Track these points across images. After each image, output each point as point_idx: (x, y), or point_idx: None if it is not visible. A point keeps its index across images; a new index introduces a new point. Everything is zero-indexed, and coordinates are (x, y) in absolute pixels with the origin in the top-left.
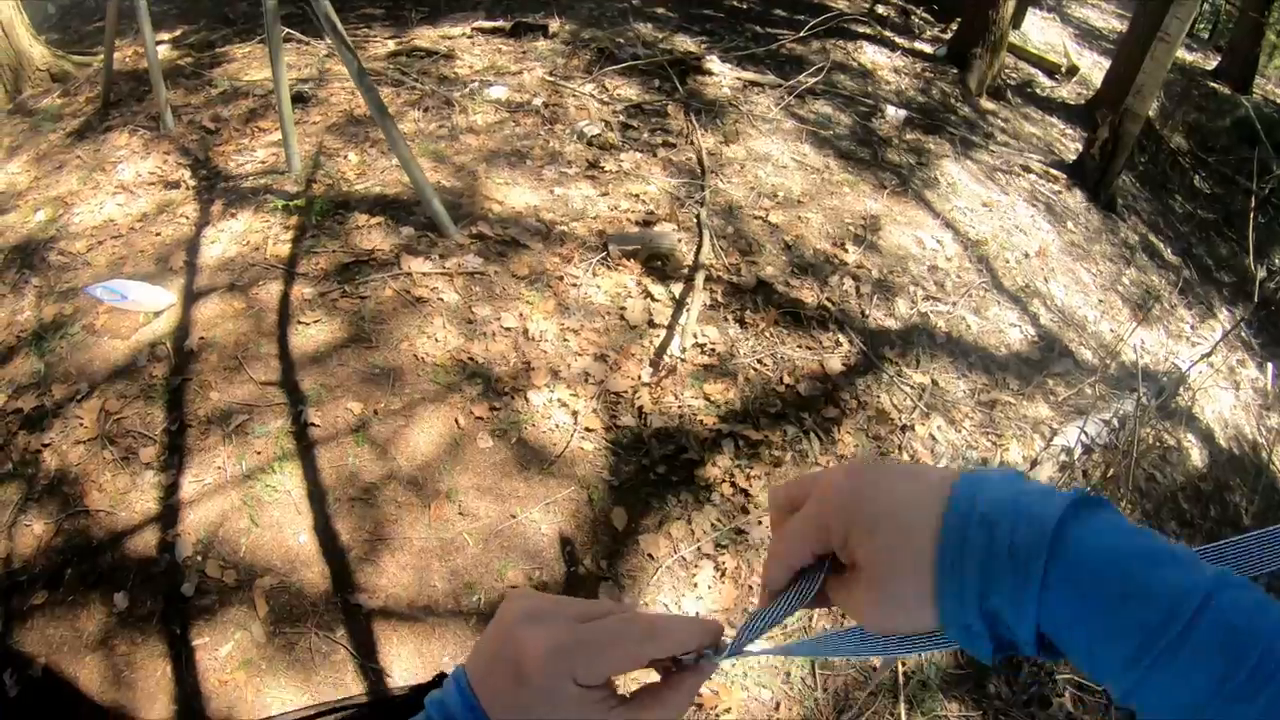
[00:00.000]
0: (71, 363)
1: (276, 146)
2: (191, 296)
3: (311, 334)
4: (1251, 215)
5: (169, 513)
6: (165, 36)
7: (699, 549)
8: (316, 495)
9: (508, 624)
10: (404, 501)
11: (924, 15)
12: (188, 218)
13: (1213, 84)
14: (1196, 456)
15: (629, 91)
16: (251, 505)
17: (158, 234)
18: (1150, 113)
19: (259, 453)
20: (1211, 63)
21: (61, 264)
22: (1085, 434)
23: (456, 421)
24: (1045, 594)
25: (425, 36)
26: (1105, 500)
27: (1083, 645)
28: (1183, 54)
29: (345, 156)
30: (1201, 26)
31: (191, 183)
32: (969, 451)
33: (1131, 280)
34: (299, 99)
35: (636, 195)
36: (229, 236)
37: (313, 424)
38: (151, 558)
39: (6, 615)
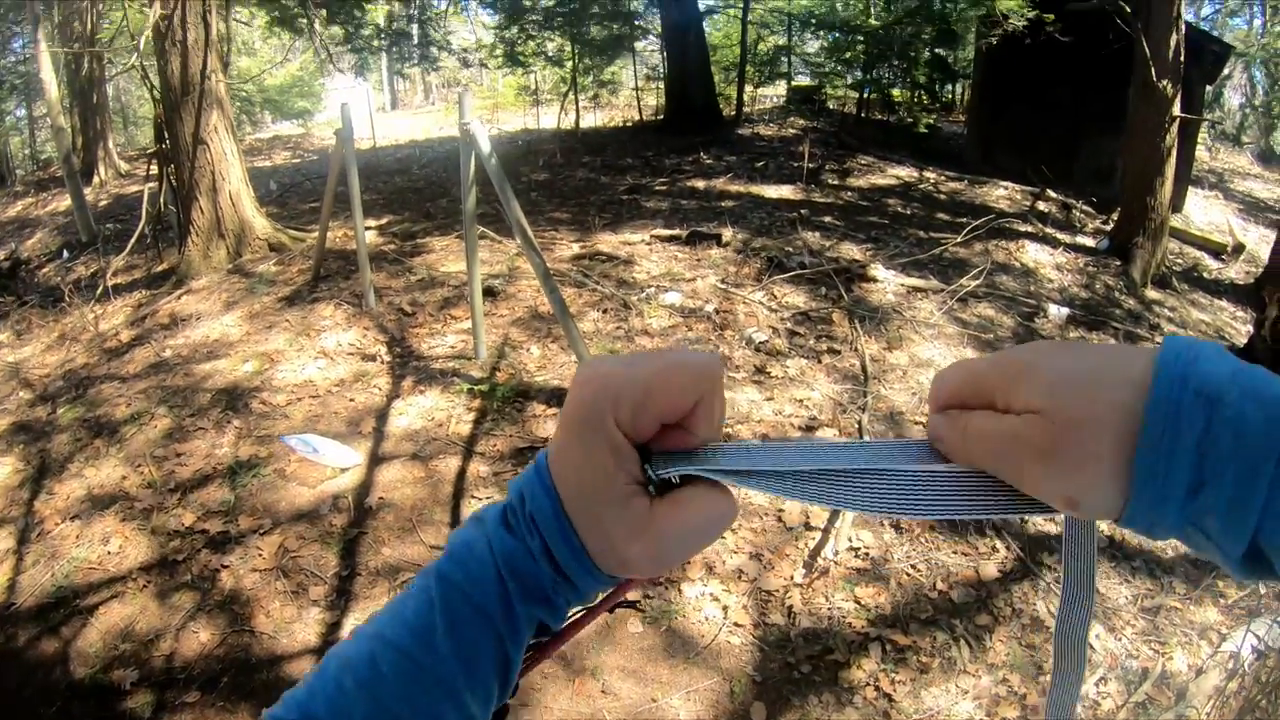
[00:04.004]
0: (259, 500)
1: (466, 334)
2: (376, 459)
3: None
4: None
5: (328, 648)
6: (373, 223)
7: None
8: None
9: (576, 374)
10: (550, 673)
11: (1085, 208)
12: (380, 388)
13: None
14: None
15: (796, 299)
16: None
17: (351, 399)
18: None
19: None
20: None
21: (262, 412)
22: (1258, 638)
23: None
24: (1275, 495)
25: (607, 242)
26: None
27: None
28: None
29: (528, 349)
30: None
31: (386, 357)
32: (1129, 660)
33: None
34: (489, 292)
35: (800, 400)
36: (416, 410)
37: None
38: None
39: (158, 704)
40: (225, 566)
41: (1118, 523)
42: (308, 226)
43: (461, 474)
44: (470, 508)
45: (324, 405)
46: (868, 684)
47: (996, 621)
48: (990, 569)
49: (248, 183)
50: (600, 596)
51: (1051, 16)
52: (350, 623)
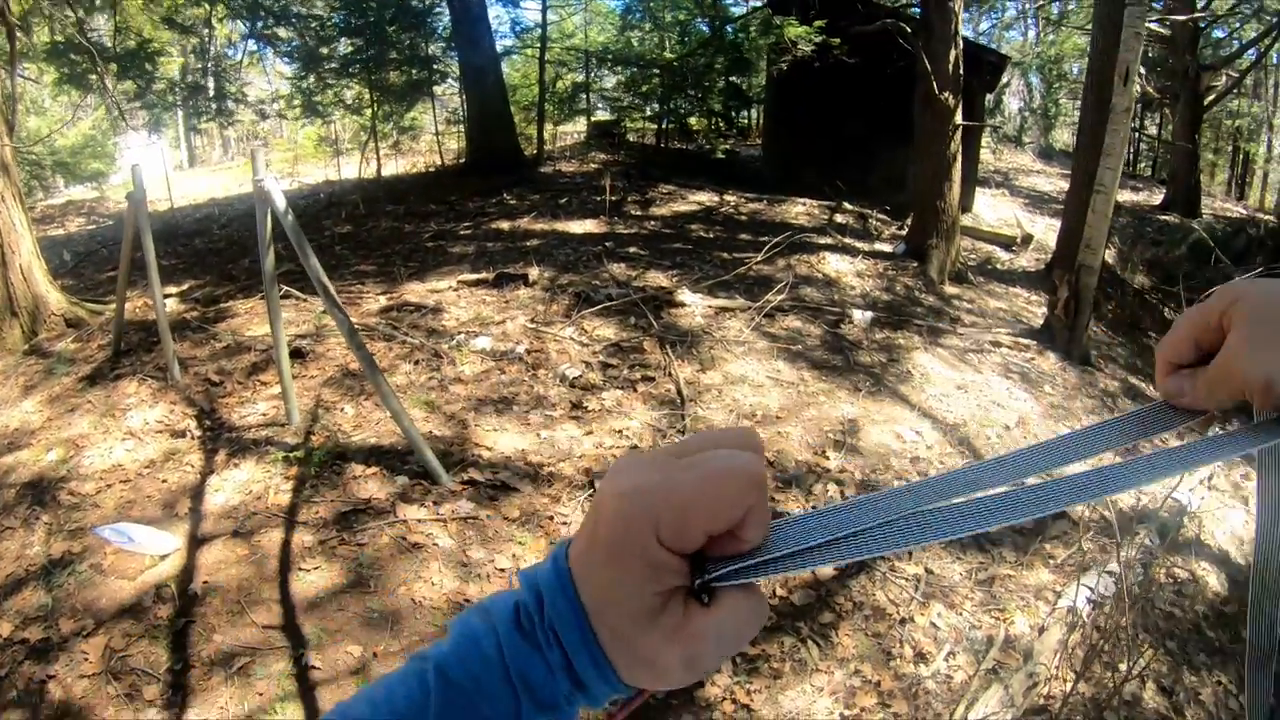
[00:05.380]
0: (78, 599)
1: (277, 399)
2: (196, 542)
3: (312, 580)
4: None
5: None
6: (173, 290)
7: None
8: None
9: (604, 478)
10: None
11: (880, 217)
12: (193, 465)
13: (1163, 217)
14: (1215, 582)
15: (607, 331)
16: None
17: (164, 480)
18: (1109, 259)
19: (260, 694)
20: (1159, 197)
21: (71, 503)
22: (1090, 589)
23: None
24: None
25: (414, 291)
26: None
27: None
28: (1130, 196)
29: (342, 409)
30: (1143, 166)
31: (197, 432)
32: (973, 632)
33: None
34: (298, 354)
35: (619, 431)
36: (232, 485)
37: (313, 666)
38: None
39: None
40: (51, 677)
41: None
42: (106, 298)
43: (286, 546)
44: (299, 580)
45: (136, 490)
46: (724, 699)
47: (840, 617)
48: (826, 568)
49: (39, 255)
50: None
51: (837, 40)
52: (191, 718)
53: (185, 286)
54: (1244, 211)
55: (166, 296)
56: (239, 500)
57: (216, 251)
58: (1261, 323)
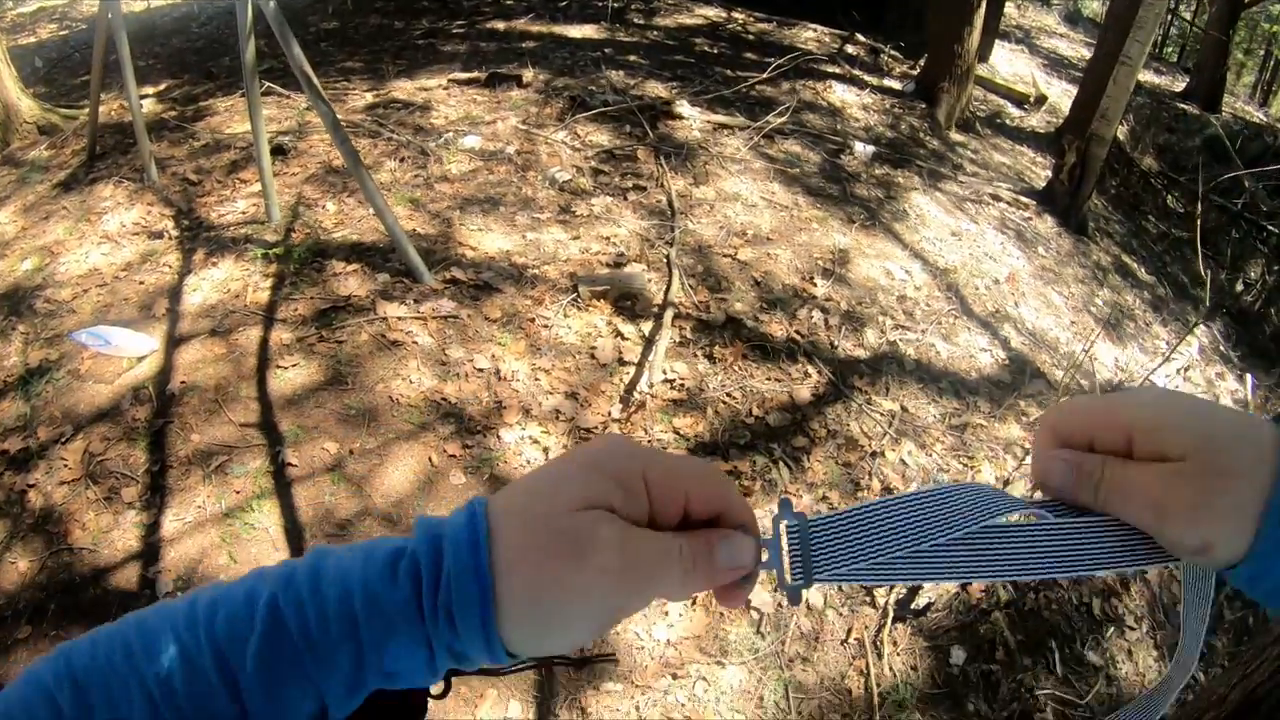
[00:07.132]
0: (56, 406)
1: (257, 197)
2: (174, 342)
3: (289, 377)
4: (1198, 229)
5: (150, 550)
6: (150, 90)
7: None
8: (293, 531)
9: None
10: (379, 535)
11: (892, 53)
12: (170, 266)
13: (1182, 105)
14: None
15: (600, 138)
16: (230, 542)
17: (141, 282)
18: (1120, 136)
19: (238, 492)
20: (1180, 85)
21: (48, 311)
22: None
23: (430, 459)
24: None
25: (402, 89)
26: None
27: None
28: (1151, 78)
29: (323, 206)
30: (1170, 50)
31: (174, 233)
32: (940, 474)
33: (1105, 301)
34: (279, 151)
35: (607, 238)
36: (210, 284)
37: (290, 464)
38: (133, 593)
39: None
40: (31, 486)
41: (1230, 569)
42: (80, 103)
43: (264, 344)
44: (276, 378)
45: (112, 293)
46: None
47: (813, 443)
48: (804, 393)
49: (8, 62)
50: None
51: None
52: (169, 519)
53: (163, 86)
54: (1264, 118)
55: (143, 97)
56: (217, 299)
57: (196, 50)
58: (1220, 473)
